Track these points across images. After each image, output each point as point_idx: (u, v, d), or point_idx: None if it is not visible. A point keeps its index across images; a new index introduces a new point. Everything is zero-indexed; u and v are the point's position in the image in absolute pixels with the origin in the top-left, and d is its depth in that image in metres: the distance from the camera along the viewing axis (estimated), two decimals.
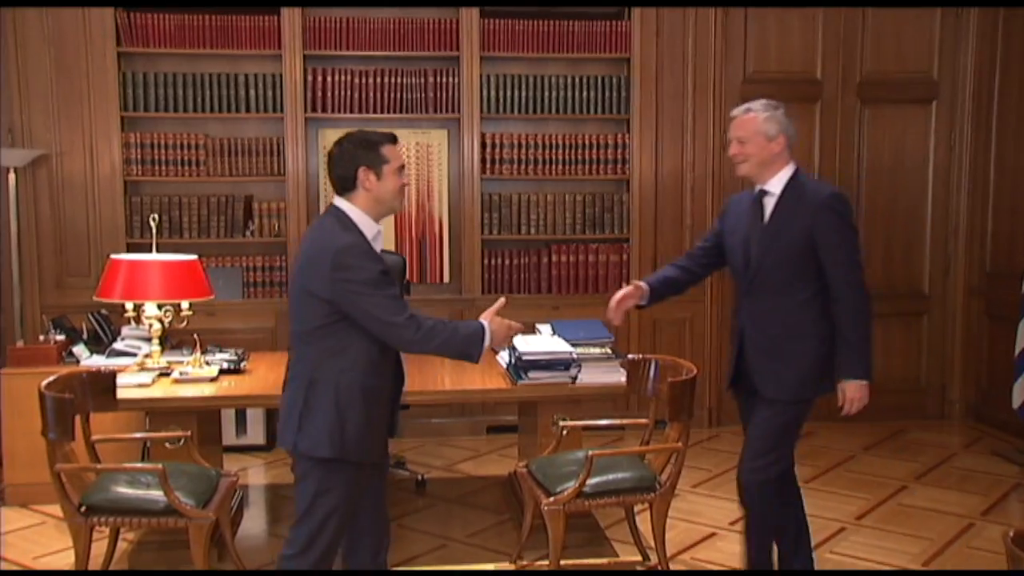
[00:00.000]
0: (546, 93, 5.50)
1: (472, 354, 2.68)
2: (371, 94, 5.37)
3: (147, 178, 5.30)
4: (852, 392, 2.95)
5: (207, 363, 3.91)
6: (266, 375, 3.91)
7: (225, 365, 3.91)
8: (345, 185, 2.68)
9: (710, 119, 5.65)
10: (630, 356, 3.70)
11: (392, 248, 5.43)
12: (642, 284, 3.21)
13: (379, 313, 2.56)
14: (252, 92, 5.31)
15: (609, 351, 3.77)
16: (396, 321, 2.57)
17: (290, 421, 2.64)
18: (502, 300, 2.85)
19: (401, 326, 2.57)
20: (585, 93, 5.52)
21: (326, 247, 2.57)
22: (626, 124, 5.63)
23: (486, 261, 5.56)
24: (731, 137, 3.07)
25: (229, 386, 3.72)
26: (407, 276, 4.95)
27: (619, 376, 3.70)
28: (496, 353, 4.02)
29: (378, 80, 5.37)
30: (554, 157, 5.54)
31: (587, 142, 5.56)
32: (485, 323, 2.71)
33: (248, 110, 5.32)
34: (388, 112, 5.39)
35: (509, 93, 5.46)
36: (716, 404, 5.83)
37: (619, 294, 3.18)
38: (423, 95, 5.42)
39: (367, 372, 2.63)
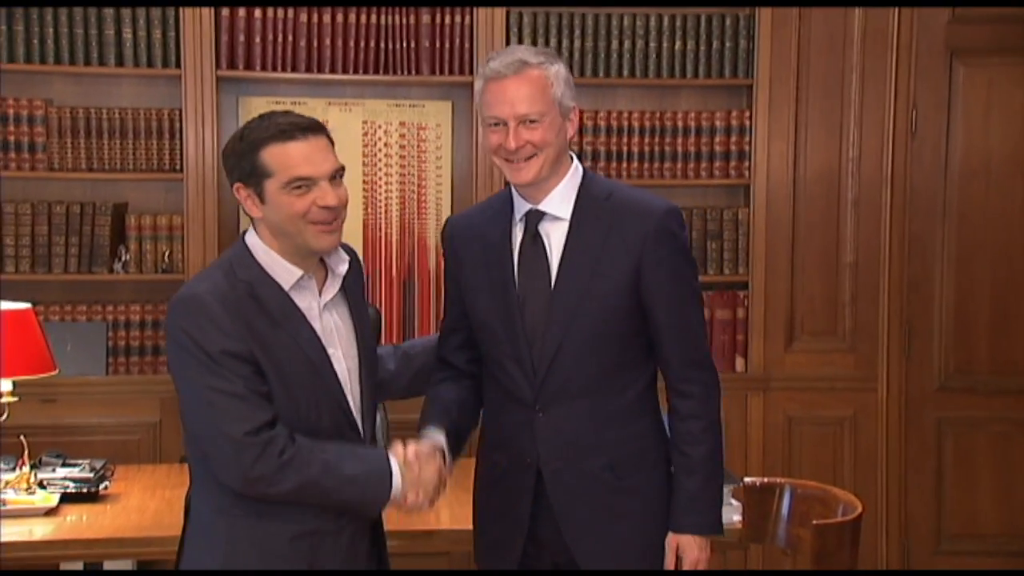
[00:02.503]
0: (613, 43, 5.51)
1: (369, 501, 2.72)
2: (327, 42, 5.38)
3: None
4: (693, 552, 2.92)
5: (41, 484, 3.90)
6: (142, 503, 3.89)
7: (72, 487, 3.91)
8: None
9: (889, 86, 5.59)
10: (748, 479, 3.67)
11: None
12: (439, 438, 2.92)
13: (200, 419, 2.62)
14: (128, 34, 5.28)
15: None
16: (228, 432, 2.57)
17: None
18: (439, 440, 2.85)
19: (237, 446, 2.57)
20: (679, 43, 5.52)
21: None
22: (746, 95, 5.63)
23: None
24: (502, 117, 2.84)
25: (77, 522, 3.71)
26: (382, 339, 4.94)
27: (729, 513, 3.63)
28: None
29: (338, 19, 5.39)
30: (626, 148, 5.54)
31: (681, 124, 5.58)
32: (393, 461, 2.73)
33: (121, 63, 5.32)
34: (354, 71, 5.41)
35: (552, 43, 5.45)
36: (901, 562, 5.74)
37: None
38: (412, 45, 5.43)
39: (264, 512, 2.65)
